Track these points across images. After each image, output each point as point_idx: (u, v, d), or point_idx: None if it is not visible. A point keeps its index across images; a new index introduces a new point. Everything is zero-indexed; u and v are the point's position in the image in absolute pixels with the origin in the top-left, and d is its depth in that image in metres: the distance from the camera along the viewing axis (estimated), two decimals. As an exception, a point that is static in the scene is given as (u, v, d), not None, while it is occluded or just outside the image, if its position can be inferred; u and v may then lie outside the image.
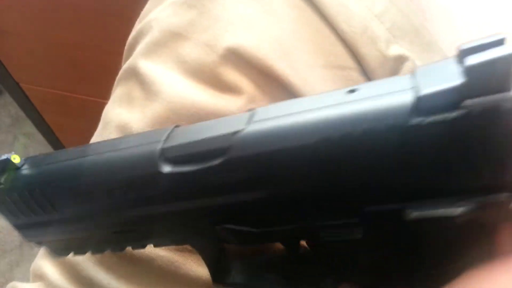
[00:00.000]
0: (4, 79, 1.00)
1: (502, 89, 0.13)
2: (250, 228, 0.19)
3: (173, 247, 0.27)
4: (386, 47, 0.27)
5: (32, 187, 0.21)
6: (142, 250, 0.27)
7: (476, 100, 0.13)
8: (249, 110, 0.18)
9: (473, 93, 0.13)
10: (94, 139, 0.31)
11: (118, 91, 0.32)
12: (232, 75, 0.27)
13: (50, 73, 0.98)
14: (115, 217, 0.21)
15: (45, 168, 0.22)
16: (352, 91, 0.16)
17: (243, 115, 0.18)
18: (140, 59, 0.30)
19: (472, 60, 0.13)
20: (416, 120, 0.14)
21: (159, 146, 0.19)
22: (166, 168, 0.18)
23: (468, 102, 0.13)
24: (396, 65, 0.27)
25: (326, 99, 0.16)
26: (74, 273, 0.28)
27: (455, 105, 0.14)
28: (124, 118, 0.29)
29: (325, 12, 0.28)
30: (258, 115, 0.18)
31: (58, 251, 0.27)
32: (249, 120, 0.17)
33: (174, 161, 0.18)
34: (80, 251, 0.25)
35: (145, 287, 0.27)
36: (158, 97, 0.28)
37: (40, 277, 0.29)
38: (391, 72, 0.28)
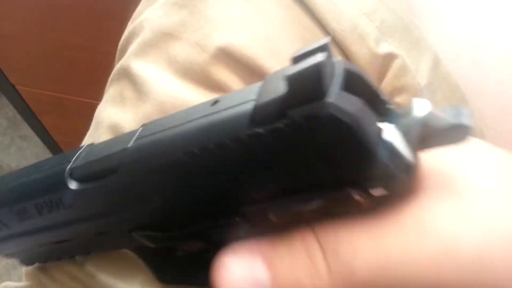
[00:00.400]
0: (0, 81, 1.00)
1: (317, 96, 0.14)
2: (156, 233, 0.20)
3: None
4: (376, 44, 0.28)
5: None
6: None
7: (297, 110, 0.14)
8: (142, 125, 0.20)
9: (294, 102, 0.14)
10: (87, 139, 0.31)
11: (110, 91, 0.32)
12: (223, 74, 0.28)
13: (46, 75, 0.99)
14: (44, 234, 0.23)
15: None
16: (215, 102, 0.17)
17: (134, 132, 0.20)
18: (132, 59, 0.30)
19: (292, 69, 0.14)
20: (252, 131, 0.15)
21: (68, 166, 0.21)
22: (73, 185, 0.20)
23: (291, 111, 0.14)
24: (385, 63, 0.28)
25: (195, 112, 0.17)
26: (65, 272, 0.28)
27: (281, 115, 0.14)
28: (116, 118, 0.29)
29: (315, 10, 0.28)
30: (142, 131, 0.19)
31: (25, 261, 0.29)
32: (136, 137, 0.19)
33: (79, 179, 0.20)
34: (41, 260, 0.28)
35: (135, 280, 0.27)
36: (150, 97, 0.28)
37: (31, 276, 0.29)
38: (381, 70, 0.28)
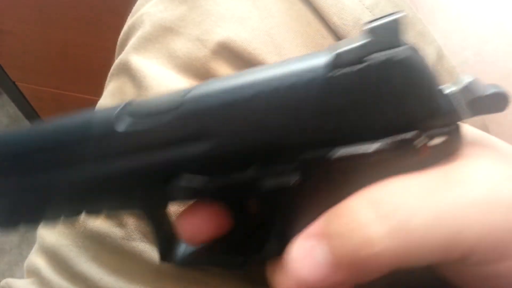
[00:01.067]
0: (1, 78, 1.00)
1: (397, 44, 0.17)
2: (199, 182, 0.20)
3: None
4: None
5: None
6: (133, 244, 0.27)
7: (377, 55, 0.17)
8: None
9: (375, 48, 0.17)
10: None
11: (110, 87, 0.32)
12: (224, 70, 0.27)
13: (47, 72, 0.98)
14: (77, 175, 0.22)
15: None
16: (282, 61, 0.20)
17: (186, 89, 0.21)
18: (132, 54, 0.30)
19: (373, 23, 0.17)
20: (330, 73, 0.18)
21: (117, 110, 0.21)
22: (121, 127, 0.20)
23: (371, 56, 0.17)
24: None
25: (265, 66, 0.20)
26: (66, 268, 0.28)
27: (361, 60, 0.17)
28: None
29: (316, 5, 0.28)
30: (208, 81, 0.20)
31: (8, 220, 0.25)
32: (200, 84, 0.20)
33: (129, 119, 0.20)
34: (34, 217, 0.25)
35: (137, 280, 0.27)
36: (149, 92, 0.28)
37: (33, 273, 0.29)
38: None
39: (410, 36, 0.28)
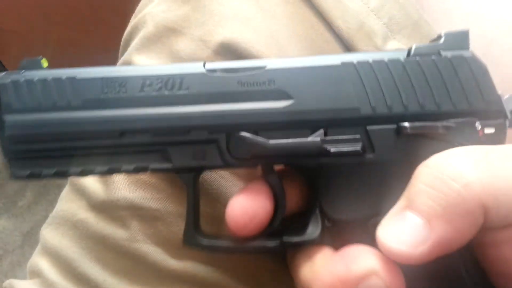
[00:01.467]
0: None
1: (465, 47, 0.22)
2: (264, 139, 0.22)
3: (168, 243, 0.27)
4: (383, 42, 0.27)
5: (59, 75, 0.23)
6: (136, 246, 0.27)
7: (449, 51, 0.22)
8: None
9: (447, 47, 0.22)
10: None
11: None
12: None
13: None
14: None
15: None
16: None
17: None
18: (135, 54, 0.30)
19: (448, 32, 0.23)
20: (412, 58, 0.22)
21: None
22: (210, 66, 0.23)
23: (445, 52, 0.22)
24: None
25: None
26: (70, 270, 0.28)
27: (436, 53, 0.22)
28: None
29: (320, 8, 0.28)
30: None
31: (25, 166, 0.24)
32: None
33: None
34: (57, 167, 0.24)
35: (140, 281, 0.27)
36: None
37: (36, 274, 0.29)
38: None
39: (416, 39, 0.28)
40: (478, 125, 0.21)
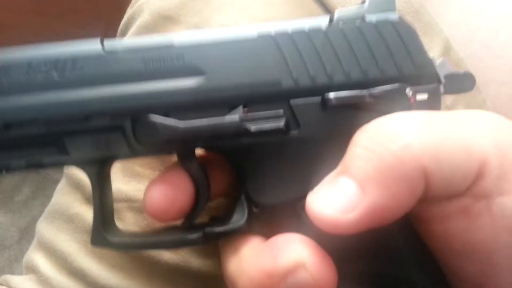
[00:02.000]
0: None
1: (391, 9, 0.20)
2: (176, 121, 0.20)
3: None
4: None
5: None
6: None
7: (374, 15, 0.20)
8: None
9: (372, 11, 0.20)
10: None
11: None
12: None
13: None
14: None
15: None
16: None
17: None
18: None
19: None
20: (333, 25, 0.20)
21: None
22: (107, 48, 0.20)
23: (369, 15, 0.20)
24: None
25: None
26: (65, 265, 0.27)
27: (360, 18, 0.20)
28: None
29: None
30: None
31: None
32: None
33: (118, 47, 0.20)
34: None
35: (136, 275, 0.27)
36: None
37: (32, 269, 0.29)
38: None
39: (417, 27, 0.27)
40: (409, 91, 0.20)
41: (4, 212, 1.17)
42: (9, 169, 0.21)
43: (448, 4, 0.30)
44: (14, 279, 0.29)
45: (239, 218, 0.21)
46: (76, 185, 0.28)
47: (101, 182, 0.22)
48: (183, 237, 0.21)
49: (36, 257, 0.29)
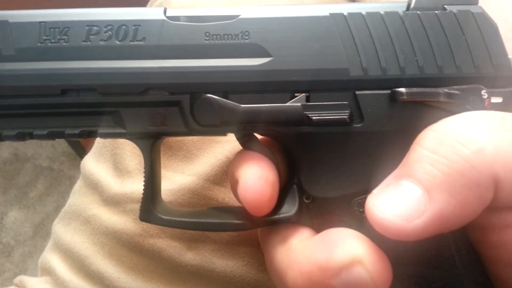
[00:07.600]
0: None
1: (472, 2, 0.19)
2: (235, 103, 0.19)
3: (184, 235, 0.26)
4: None
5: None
6: (151, 241, 0.26)
7: (454, 6, 0.19)
8: None
9: (453, 2, 0.19)
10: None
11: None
12: None
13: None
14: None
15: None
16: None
17: None
18: None
19: None
20: (410, 12, 0.19)
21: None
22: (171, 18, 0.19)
23: (451, 5, 0.19)
24: None
25: None
26: (82, 268, 0.27)
27: (439, 7, 0.19)
28: None
29: None
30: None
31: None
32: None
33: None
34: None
35: (154, 278, 0.26)
36: None
37: (47, 271, 0.28)
38: None
39: None
40: (484, 93, 0.18)
41: (18, 208, 1.17)
42: (63, 137, 0.20)
43: (483, 3, 0.28)
44: (29, 280, 0.28)
45: (289, 208, 0.20)
46: (94, 186, 0.28)
47: (153, 157, 0.21)
48: (230, 221, 0.21)
49: (52, 258, 0.28)
